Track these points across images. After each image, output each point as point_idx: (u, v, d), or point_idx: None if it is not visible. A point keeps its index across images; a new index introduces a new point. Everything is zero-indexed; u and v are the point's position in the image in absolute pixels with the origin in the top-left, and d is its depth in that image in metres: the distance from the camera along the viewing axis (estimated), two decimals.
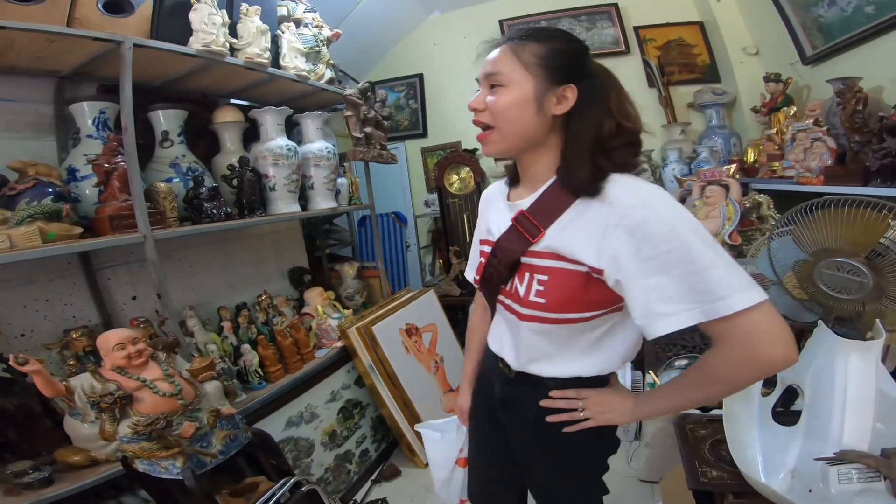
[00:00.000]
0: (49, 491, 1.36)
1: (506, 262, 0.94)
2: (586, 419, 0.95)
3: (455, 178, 2.99)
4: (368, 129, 2.51)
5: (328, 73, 2.44)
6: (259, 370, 2.01)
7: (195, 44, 1.78)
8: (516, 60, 0.87)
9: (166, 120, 1.94)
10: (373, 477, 2.29)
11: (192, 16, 1.79)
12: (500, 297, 0.99)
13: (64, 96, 1.81)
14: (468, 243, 3.02)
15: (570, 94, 0.85)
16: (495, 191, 1.11)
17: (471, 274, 1.13)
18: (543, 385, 0.97)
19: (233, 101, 2.37)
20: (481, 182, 2.97)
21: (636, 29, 3.49)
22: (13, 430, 1.48)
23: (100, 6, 1.61)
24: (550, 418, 0.97)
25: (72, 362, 1.65)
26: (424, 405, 2.34)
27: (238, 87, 2.26)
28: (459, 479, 1.35)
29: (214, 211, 1.82)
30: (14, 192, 1.42)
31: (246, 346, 1.99)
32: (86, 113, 1.73)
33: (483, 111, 0.91)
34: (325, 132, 2.44)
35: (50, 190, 1.49)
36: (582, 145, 0.86)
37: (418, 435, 2.30)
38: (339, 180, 2.45)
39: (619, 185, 0.83)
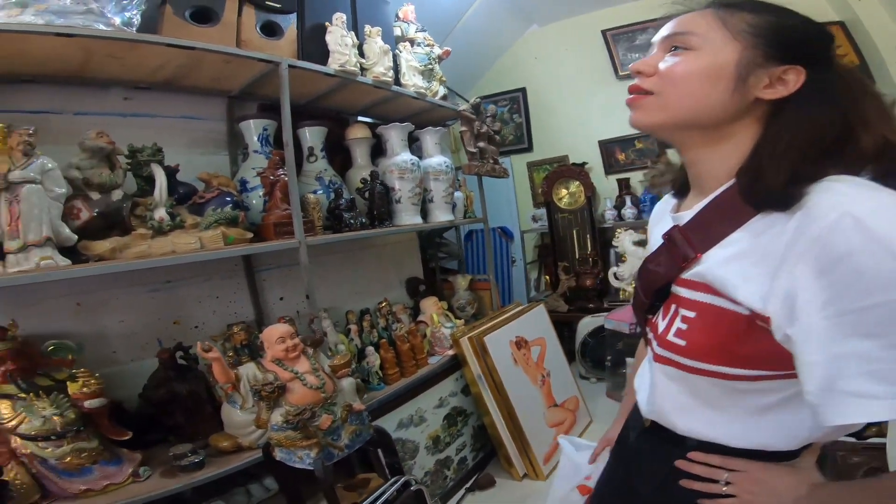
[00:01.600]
0: (199, 474, 1.47)
1: (648, 286, 0.79)
2: (730, 496, 0.72)
3: (564, 192, 2.99)
4: (482, 144, 2.61)
5: (441, 90, 2.57)
6: (379, 372, 2.14)
7: (332, 64, 1.95)
8: (719, 23, 0.68)
9: (311, 136, 2.17)
10: (468, 485, 2.31)
11: (328, 37, 1.97)
12: (647, 329, 0.84)
13: (234, 115, 2.10)
14: (578, 259, 3.00)
15: (794, 77, 0.65)
16: (665, 202, 0.95)
17: None
18: (682, 443, 0.78)
19: (359, 118, 2.58)
20: (592, 197, 2.94)
21: None
22: (181, 415, 1.64)
23: (258, 29, 1.82)
24: (684, 483, 0.77)
25: (231, 354, 1.85)
26: (528, 417, 2.35)
27: (364, 105, 2.45)
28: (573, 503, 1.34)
29: (352, 221, 1.99)
30: (203, 200, 1.67)
31: (370, 349, 2.13)
32: (252, 130, 2.00)
33: (650, 76, 0.72)
34: (441, 147, 2.56)
35: (228, 199, 1.73)
36: (792, 144, 0.64)
37: (552, 449, 2.32)
38: (456, 194, 2.56)
39: (828, 192, 0.58)
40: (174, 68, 1.73)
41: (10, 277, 1.19)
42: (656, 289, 0.77)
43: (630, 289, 2.78)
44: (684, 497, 0.76)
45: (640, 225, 2.93)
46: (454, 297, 2.69)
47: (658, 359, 0.77)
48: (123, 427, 1.46)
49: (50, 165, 1.29)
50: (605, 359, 2.81)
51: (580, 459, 1.28)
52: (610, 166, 3.39)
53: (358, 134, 2.38)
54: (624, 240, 2.66)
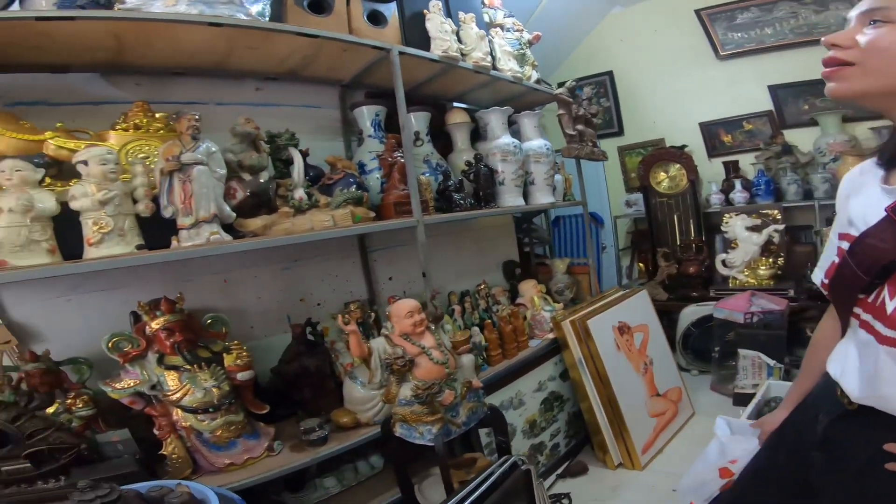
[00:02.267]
0: (324, 449, 1.53)
1: (868, 264, 0.75)
2: None
3: (663, 176, 2.88)
4: (580, 127, 2.57)
5: (534, 74, 2.54)
6: (483, 353, 2.16)
7: (435, 50, 1.98)
8: None
9: (417, 121, 2.23)
10: (559, 471, 2.30)
11: (428, 24, 2.00)
12: (856, 310, 0.81)
13: (346, 103, 2.20)
14: (679, 245, 2.87)
15: None
16: (862, 172, 0.91)
17: (818, 275, 0.94)
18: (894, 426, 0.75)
19: (453, 104, 2.61)
20: (696, 181, 2.80)
21: None
22: (309, 390, 1.72)
23: (365, 18, 1.87)
24: (889, 466, 0.74)
25: None
26: (629, 405, 2.30)
27: (460, 91, 2.48)
28: (711, 488, 1.28)
29: (462, 201, 2.03)
30: (331, 181, 1.77)
31: (475, 329, 2.16)
32: (365, 116, 2.08)
33: (848, 48, 0.75)
34: (540, 131, 2.54)
35: (352, 180, 1.82)
36: None
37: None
38: (556, 177, 2.54)
39: None
40: (299, 58, 1.83)
41: (184, 251, 1.32)
42: (882, 265, 0.73)
43: (742, 277, 2.62)
44: (889, 483, 0.73)
45: (751, 209, 2.75)
46: (552, 281, 2.67)
47: (884, 340, 0.73)
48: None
49: (213, 148, 1.41)
50: (710, 350, 2.68)
51: (731, 441, 1.23)
52: (713, 148, 3.21)
53: (458, 119, 2.42)
54: (735, 225, 2.51)
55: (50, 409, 1.34)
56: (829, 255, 0.93)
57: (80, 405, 1.36)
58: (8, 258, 1.12)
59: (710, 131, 3.19)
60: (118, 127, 1.47)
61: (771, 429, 1.09)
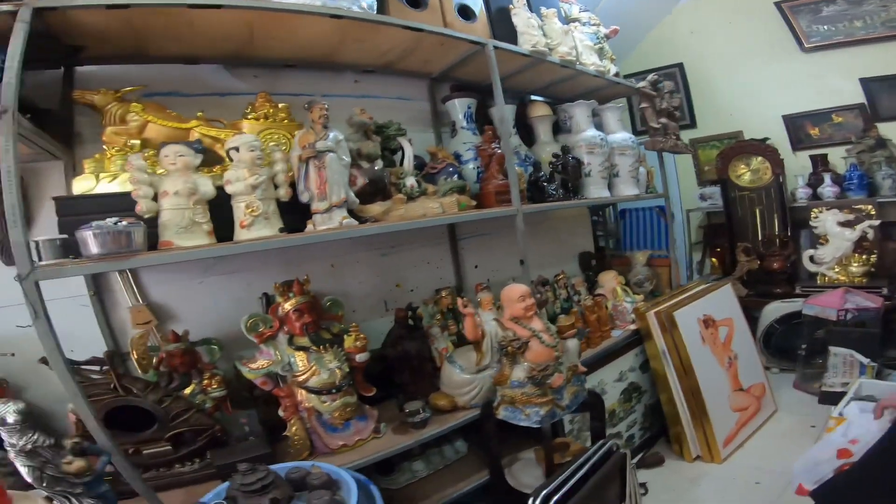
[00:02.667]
0: (425, 431, 1.56)
1: None
2: None
3: (743, 169, 2.81)
4: (663, 120, 2.54)
5: (613, 68, 2.53)
6: None
7: (524, 44, 2.00)
8: None
9: (500, 112, 2.24)
10: (634, 461, 2.28)
11: (515, 20, 2.01)
12: None
13: (435, 95, 2.25)
14: (761, 240, 2.80)
15: None
16: None
17: None
18: None
19: (532, 97, 2.62)
20: (781, 174, 2.72)
21: None
22: (409, 373, 1.76)
23: (456, 13, 1.89)
24: None
25: (438, 317, 1.98)
26: (712, 398, 2.26)
27: (537, 85, 2.48)
28: (824, 470, 1.25)
29: (554, 192, 2.04)
30: (434, 170, 1.83)
31: (562, 317, 2.18)
32: (457, 108, 2.13)
33: None
34: (623, 124, 2.53)
35: (452, 170, 1.87)
36: None
37: None
38: (640, 169, 2.53)
39: None
40: (399, 51, 1.89)
41: (320, 234, 1.39)
42: None
43: (831, 273, 2.54)
44: None
45: (843, 204, 2.65)
46: (631, 273, 2.66)
47: None
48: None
49: (340, 137, 1.48)
50: (794, 348, 2.61)
51: (857, 419, 1.21)
52: (799, 141, 3.10)
53: (540, 111, 2.43)
54: (827, 220, 2.42)
55: (187, 390, 1.42)
56: None
57: (215, 386, 1.45)
58: (173, 239, 1.20)
59: (795, 124, 3.09)
60: (249, 116, 1.56)
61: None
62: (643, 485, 2.16)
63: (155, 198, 1.20)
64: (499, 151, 1.90)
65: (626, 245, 3.36)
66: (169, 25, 1.36)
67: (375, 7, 1.75)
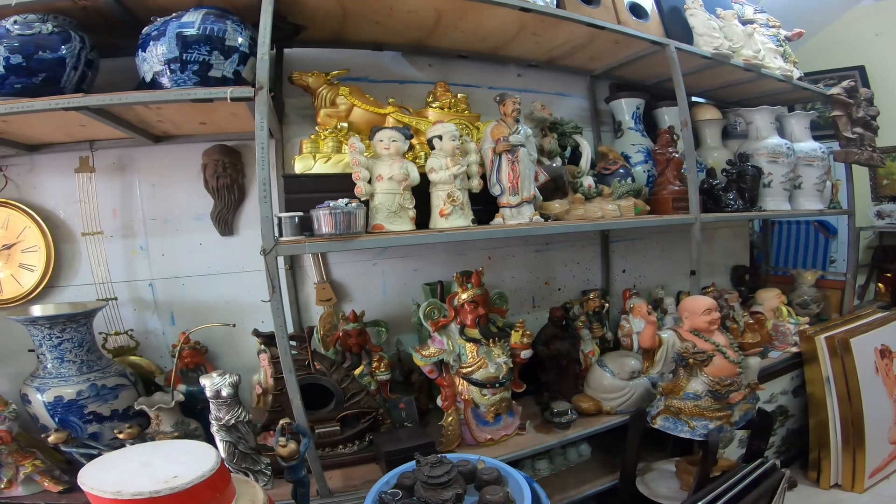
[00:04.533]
0: (569, 433, 1.54)
1: None
2: None
3: None
4: (859, 130, 2.26)
5: (797, 72, 2.28)
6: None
7: (705, 46, 1.85)
8: None
9: (670, 117, 2.11)
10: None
11: (693, 20, 1.87)
12: None
13: (594, 93, 2.15)
14: None
15: None
16: None
17: None
18: None
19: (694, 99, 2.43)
20: None
21: None
22: (555, 372, 1.74)
23: (628, 10, 1.77)
24: None
25: (583, 319, 1.90)
26: (872, 428, 2.07)
27: (706, 87, 2.28)
28: None
29: (732, 202, 1.88)
30: (608, 171, 1.75)
31: (748, 333, 2.04)
32: (624, 108, 2.03)
33: None
34: (809, 132, 2.29)
35: (624, 171, 1.78)
36: None
37: None
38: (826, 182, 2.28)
39: None
40: (569, 47, 1.82)
41: (509, 228, 1.37)
42: None
43: None
44: None
45: None
46: (795, 293, 2.42)
47: None
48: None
49: (529, 132, 1.45)
50: None
51: None
52: None
53: (708, 115, 2.26)
54: None
55: (357, 371, 1.47)
56: None
57: (383, 369, 1.49)
58: (384, 223, 1.24)
59: None
60: (434, 105, 1.57)
61: None
62: None
63: (369, 181, 1.24)
64: (676, 156, 1.78)
65: (776, 261, 3.06)
66: (373, 8, 1.41)
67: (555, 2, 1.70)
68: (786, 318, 2.17)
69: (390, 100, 1.54)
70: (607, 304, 1.97)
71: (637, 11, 1.84)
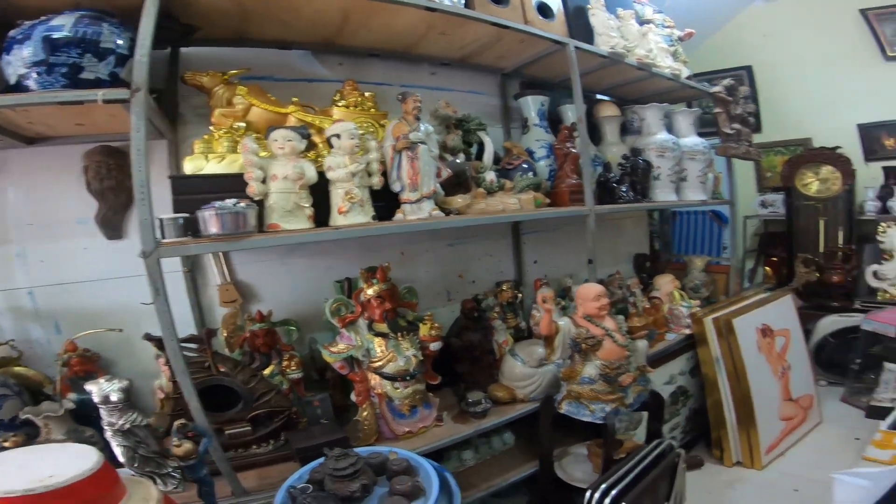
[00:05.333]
0: (485, 422, 1.59)
1: None
2: None
3: (811, 178, 2.73)
4: (737, 126, 2.50)
5: (686, 71, 2.48)
6: None
7: (602, 45, 1.98)
8: None
9: (573, 113, 2.23)
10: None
11: (593, 20, 2.00)
12: None
13: (505, 91, 2.24)
14: (823, 252, 2.73)
15: None
16: None
17: None
18: None
19: (598, 96, 2.59)
20: (852, 186, 2.65)
21: None
22: (469, 363, 1.79)
23: (536, 10, 1.86)
24: None
25: (497, 310, 1.95)
26: (762, 406, 2.26)
27: (605, 85, 2.45)
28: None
29: (625, 193, 2.02)
30: (511, 166, 1.83)
31: (621, 318, 2.17)
32: (530, 105, 2.13)
33: None
34: (695, 128, 2.50)
35: (526, 166, 1.87)
36: None
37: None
38: (708, 175, 2.50)
39: None
40: (477, 46, 1.88)
41: (409, 223, 1.42)
42: None
43: (894, 290, 2.47)
44: None
45: None
46: (687, 278, 2.64)
47: None
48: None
49: (431, 129, 1.50)
50: (845, 362, 2.58)
51: (874, 489, 1.10)
52: (872, 152, 2.99)
53: (608, 112, 2.41)
54: (893, 235, 2.36)
55: (267, 371, 1.46)
56: None
57: (294, 367, 1.49)
58: (279, 222, 1.24)
59: (870, 134, 2.98)
60: (340, 104, 1.58)
61: None
62: None
63: (263, 181, 1.24)
64: (574, 151, 1.90)
65: (676, 248, 3.32)
66: (276, 8, 1.39)
67: (463, 2, 1.75)
68: (679, 302, 2.37)
69: (294, 99, 1.53)
70: (520, 295, 2.05)
71: (544, 11, 1.92)
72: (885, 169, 2.86)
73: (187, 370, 1.13)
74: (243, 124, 1.37)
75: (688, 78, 2.49)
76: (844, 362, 2.60)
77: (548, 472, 1.73)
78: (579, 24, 2.02)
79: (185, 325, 1.50)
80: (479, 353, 1.82)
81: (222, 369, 1.36)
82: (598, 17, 2.01)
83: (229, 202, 1.09)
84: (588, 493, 1.30)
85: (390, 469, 1.10)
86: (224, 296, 1.54)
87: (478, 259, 2.11)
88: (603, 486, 1.30)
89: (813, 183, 2.72)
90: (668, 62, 2.34)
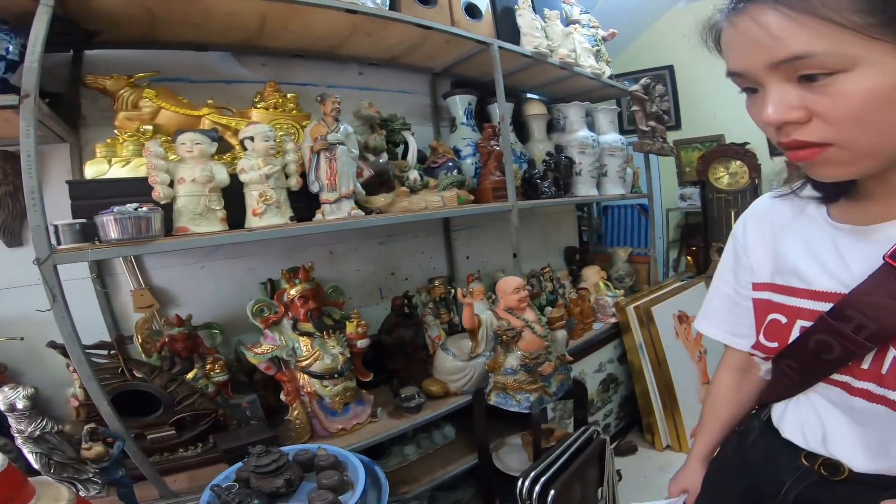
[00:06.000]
0: (419, 416, 1.64)
1: (878, 329, 0.58)
2: None
3: (722, 172, 2.94)
4: (652, 123, 2.64)
5: (608, 70, 2.61)
6: None
7: (527, 45, 2.05)
8: (831, 24, 0.49)
9: (501, 111, 2.31)
10: (611, 448, 2.45)
11: (520, 20, 2.06)
12: (843, 379, 0.65)
13: (435, 90, 2.28)
14: None
15: None
16: (783, 208, 0.78)
17: (744, 338, 0.82)
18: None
19: (528, 95, 2.69)
20: (757, 179, 2.87)
21: None
22: (402, 359, 1.83)
23: (463, 11, 1.92)
24: None
25: (431, 306, 2.01)
26: (683, 390, 2.42)
27: (533, 84, 2.54)
28: None
29: (547, 189, 2.11)
30: (436, 165, 1.88)
31: (549, 309, 2.27)
32: (458, 104, 2.17)
33: (806, 123, 0.55)
34: (615, 125, 2.62)
35: (452, 164, 1.92)
36: None
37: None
38: (627, 170, 2.64)
39: None
40: (405, 46, 1.92)
41: (329, 223, 1.43)
42: (889, 330, 0.58)
43: None
44: None
45: None
46: (612, 268, 2.78)
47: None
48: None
49: (350, 130, 1.51)
50: None
51: None
52: (776, 147, 3.21)
53: (535, 110, 2.50)
54: None
55: (189, 375, 1.45)
56: (738, 310, 0.84)
57: (217, 370, 1.48)
58: (188, 225, 1.23)
59: None
60: (259, 105, 1.57)
61: (697, 492, 0.99)
62: (618, 471, 2.29)
63: (171, 184, 1.22)
64: (497, 148, 1.97)
65: (608, 241, 3.49)
66: (186, 12, 1.37)
67: (387, 3, 1.78)
68: (604, 292, 2.50)
69: (209, 101, 1.50)
70: (453, 290, 2.11)
71: (472, 12, 1.96)
72: (788, 163, 3.12)
73: (95, 376, 1.11)
74: (150, 127, 1.34)
75: (613, 77, 2.62)
76: None
77: (486, 464, 1.78)
78: (507, 25, 2.08)
79: (98, 331, 1.45)
80: (411, 349, 1.86)
81: (138, 374, 1.34)
82: (525, 17, 2.07)
83: (130, 206, 1.07)
84: (519, 482, 1.36)
85: (318, 465, 1.11)
86: (138, 301, 1.50)
87: (410, 256, 2.15)
88: (532, 473, 1.37)
89: (724, 177, 2.92)
90: (590, 62, 2.44)
